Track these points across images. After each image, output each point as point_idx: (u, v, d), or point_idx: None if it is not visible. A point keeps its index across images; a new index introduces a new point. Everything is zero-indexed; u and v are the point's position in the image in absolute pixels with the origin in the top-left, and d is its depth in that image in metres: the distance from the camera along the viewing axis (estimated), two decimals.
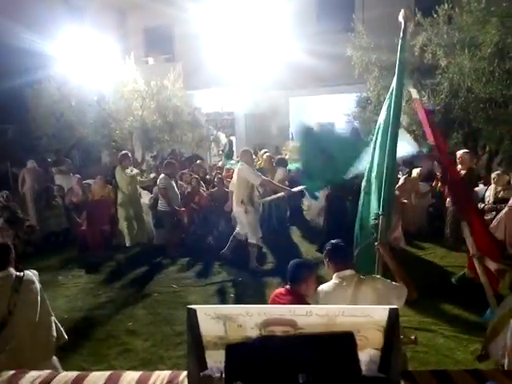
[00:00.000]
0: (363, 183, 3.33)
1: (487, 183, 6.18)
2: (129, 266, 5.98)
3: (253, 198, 5.56)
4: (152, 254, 6.32)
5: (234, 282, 5.24)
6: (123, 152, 6.83)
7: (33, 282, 2.56)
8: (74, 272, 5.90)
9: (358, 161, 3.40)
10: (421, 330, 3.78)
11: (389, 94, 3.14)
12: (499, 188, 5.66)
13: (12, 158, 11.05)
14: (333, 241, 2.51)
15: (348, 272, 2.35)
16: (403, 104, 4.57)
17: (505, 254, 4.78)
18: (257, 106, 12.69)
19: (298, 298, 2.43)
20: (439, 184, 6.43)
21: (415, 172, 6.92)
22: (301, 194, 7.92)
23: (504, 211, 5.28)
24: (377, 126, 3.28)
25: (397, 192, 5.64)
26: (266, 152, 7.95)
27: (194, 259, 6.08)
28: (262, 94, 12.18)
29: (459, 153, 5.73)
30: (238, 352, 1.41)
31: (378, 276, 2.38)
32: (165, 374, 1.73)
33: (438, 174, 6.27)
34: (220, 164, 9.86)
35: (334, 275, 2.39)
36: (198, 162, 9.05)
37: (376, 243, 2.77)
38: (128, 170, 6.48)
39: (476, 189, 6.14)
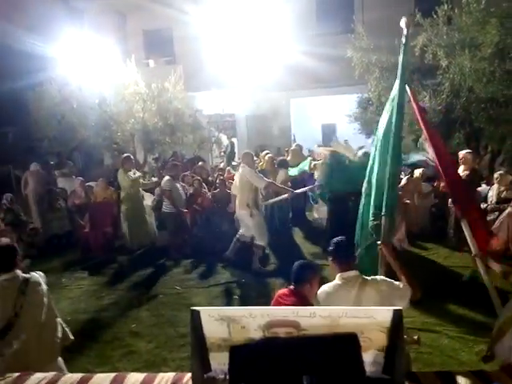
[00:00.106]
0: (364, 185, 3.35)
1: (490, 183, 6.16)
2: (132, 267, 5.99)
3: (257, 201, 5.60)
4: (155, 256, 6.33)
5: (238, 283, 5.24)
6: (125, 155, 6.86)
7: (39, 284, 2.57)
8: (77, 274, 5.91)
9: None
10: (425, 331, 3.77)
11: (390, 97, 3.14)
12: (502, 188, 5.64)
13: (14, 160, 11.09)
14: (336, 238, 2.44)
15: (352, 273, 2.32)
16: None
17: (508, 255, 4.77)
18: (258, 107, 12.70)
19: (302, 299, 2.44)
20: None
21: (417, 172, 6.91)
22: (304, 195, 7.95)
23: (507, 211, 5.26)
24: (378, 128, 3.28)
25: (399, 192, 5.64)
26: (267, 153, 7.94)
27: (197, 261, 6.08)
28: (263, 96, 12.19)
29: (462, 153, 5.72)
30: (242, 354, 1.41)
31: (382, 277, 2.36)
32: (169, 376, 1.74)
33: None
34: (222, 165, 9.87)
35: (338, 276, 2.36)
36: (199, 163, 9.06)
37: (378, 243, 2.77)
38: (131, 173, 6.50)
39: (479, 189, 6.13)
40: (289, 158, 8.04)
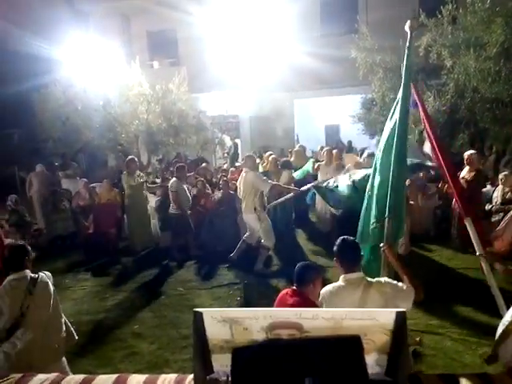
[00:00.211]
0: (368, 186, 3.33)
1: (494, 184, 6.12)
2: (135, 269, 6.00)
3: (264, 204, 5.63)
4: (158, 257, 6.34)
5: (240, 284, 5.24)
6: (130, 157, 6.89)
7: (47, 285, 2.59)
8: (80, 275, 5.93)
9: None
10: (428, 333, 3.74)
11: (396, 101, 3.13)
12: (507, 189, 5.60)
13: (19, 161, 11.18)
14: (342, 238, 2.40)
15: (356, 275, 2.29)
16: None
17: None
18: (261, 108, 12.71)
19: (305, 299, 2.44)
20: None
21: (421, 173, 6.87)
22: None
23: None
24: (384, 131, 3.27)
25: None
26: (271, 154, 7.95)
27: (200, 262, 6.09)
28: (267, 97, 12.21)
29: (467, 154, 5.69)
30: (244, 355, 1.40)
31: (386, 279, 2.33)
32: (171, 378, 1.73)
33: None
34: (225, 166, 9.88)
35: (341, 277, 2.34)
36: (203, 164, 9.07)
37: (381, 245, 2.76)
38: (135, 176, 6.54)
39: (483, 190, 6.09)
40: (292, 159, 8.03)
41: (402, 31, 3.06)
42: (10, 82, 10.33)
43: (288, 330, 1.42)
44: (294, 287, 2.54)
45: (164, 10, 12.13)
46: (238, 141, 13.42)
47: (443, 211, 6.62)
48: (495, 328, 2.08)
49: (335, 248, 2.39)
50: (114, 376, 1.75)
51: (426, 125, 3.17)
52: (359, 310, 1.57)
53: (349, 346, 1.37)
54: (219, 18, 11.61)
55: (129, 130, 9.16)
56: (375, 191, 3.14)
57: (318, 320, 1.41)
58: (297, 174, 7.14)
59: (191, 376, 1.63)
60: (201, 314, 1.44)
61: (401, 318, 1.37)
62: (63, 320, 2.71)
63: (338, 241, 2.39)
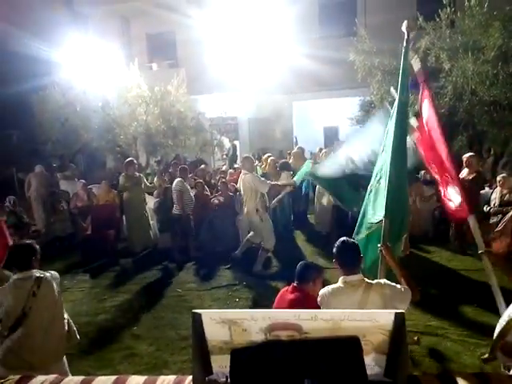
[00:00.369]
0: (370, 183, 3.34)
1: (492, 186, 6.14)
2: (134, 270, 5.99)
3: (266, 205, 5.67)
4: (157, 259, 6.33)
5: (239, 286, 5.23)
6: (128, 159, 6.89)
7: (51, 286, 2.58)
8: (79, 277, 5.92)
9: None
10: (427, 334, 3.75)
11: (395, 104, 3.13)
12: (505, 191, 5.62)
13: (18, 162, 11.15)
14: (343, 239, 2.39)
15: (356, 277, 2.28)
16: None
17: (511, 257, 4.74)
18: (260, 110, 12.73)
19: (305, 295, 2.49)
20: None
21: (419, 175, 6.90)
22: (306, 198, 7.95)
23: (510, 214, 5.24)
24: (385, 133, 3.28)
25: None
26: (269, 156, 7.96)
27: (199, 263, 6.08)
28: (266, 99, 12.22)
29: (466, 156, 5.71)
30: (243, 357, 1.41)
31: (386, 281, 2.33)
32: (170, 379, 1.73)
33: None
34: (224, 168, 9.88)
35: (341, 278, 2.33)
36: (201, 166, 9.08)
37: (379, 245, 2.76)
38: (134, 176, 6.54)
39: (481, 192, 6.11)
40: (291, 161, 8.04)
41: (401, 34, 3.07)
42: (9, 82, 10.32)
43: (287, 332, 1.42)
44: (295, 284, 2.59)
45: (163, 12, 12.14)
46: (236, 142, 13.42)
47: (441, 212, 6.63)
48: (494, 329, 2.09)
49: (335, 249, 2.38)
50: (113, 377, 1.76)
51: (432, 112, 3.09)
52: (358, 311, 1.57)
53: (348, 347, 1.37)
54: (218, 20, 11.63)
55: (127, 131, 9.16)
56: (372, 193, 3.15)
57: (316, 321, 1.41)
58: (296, 178, 7.16)
59: (190, 377, 1.63)
60: (200, 315, 1.44)
61: (399, 319, 1.38)
62: (66, 321, 2.71)
63: (338, 242, 2.38)
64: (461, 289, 4.70)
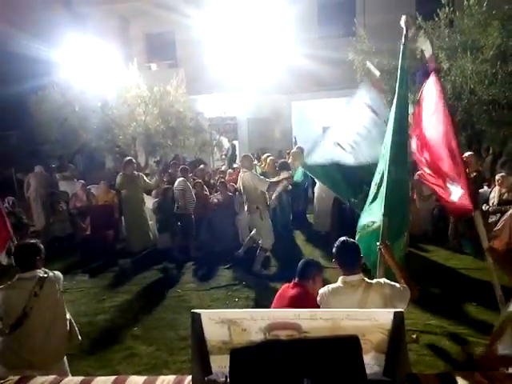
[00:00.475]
0: (371, 189, 3.33)
1: (491, 185, 6.15)
2: (133, 270, 5.99)
3: (267, 203, 5.69)
4: (156, 259, 6.33)
5: (239, 286, 5.24)
6: (127, 159, 6.88)
7: (54, 286, 2.59)
8: (78, 277, 5.91)
9: None
10: (426, 333, 3.75)
11: (393, 103, 3.13)
12: (503, 190, 5.63)
13: (17, 163, 11.14)
14: (343, 239, 2.39)
15: (356, 277, 2.28)
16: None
17: (510, 257, 4.75)
18: (259, 110, 12.72)
19: (306, 291, 2.51)
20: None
21: (416, 174, 6.89)
22: (305, 198, 7.95)
23: (509, 213, 5.25)
24: (386, 133, 3.27)
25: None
26: (269, 156, 7.97)
27: (198, 263, 6.08)
28: (265, 99, 12.21)
29: (465, 155, 5.71)
30: (243, 356, 1.41)
31: (385, 280, 2.33)
32: (169, 379, 1.73)
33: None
34: (223, 168, 9.88)
35: (340, 278, 2.33)
36: (200, 166, 9.07)
37: (378, 244, 2.75)
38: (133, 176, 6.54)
39: (480, 191, 6.12)
40: (290, 161, 8.04)
41: (400, 34, 3.06)
42: (8, 83, 10.30)
43: (286, 331, 1.42)
44: (295, 280, 2.61)
45: (162, 12, 12.13)
46: (235, 142, 13.42)
47: (440, 211, 6.64)
48: (493, 327, 2.09)
49: (334, 249, 2.37)
50: (113, 377, 1.76)
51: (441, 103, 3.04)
52: (357, 311, 1.57)
53: (347, 346, 1.37)
54: (217, 20, 11.63)
55: (126, 131, 9.16)
56: (371, 193, 3.15)
57: (316, 320, 1.41)
58: (295, 178, 7.16)
59: (190, 377, 1.63)
60: (199, 315, 1.44)
61: (398, 318, 1.38)
62: (67, 321, 2.70)
63: (338, 242, 2.38)
64: (460, 287, 4.70)
